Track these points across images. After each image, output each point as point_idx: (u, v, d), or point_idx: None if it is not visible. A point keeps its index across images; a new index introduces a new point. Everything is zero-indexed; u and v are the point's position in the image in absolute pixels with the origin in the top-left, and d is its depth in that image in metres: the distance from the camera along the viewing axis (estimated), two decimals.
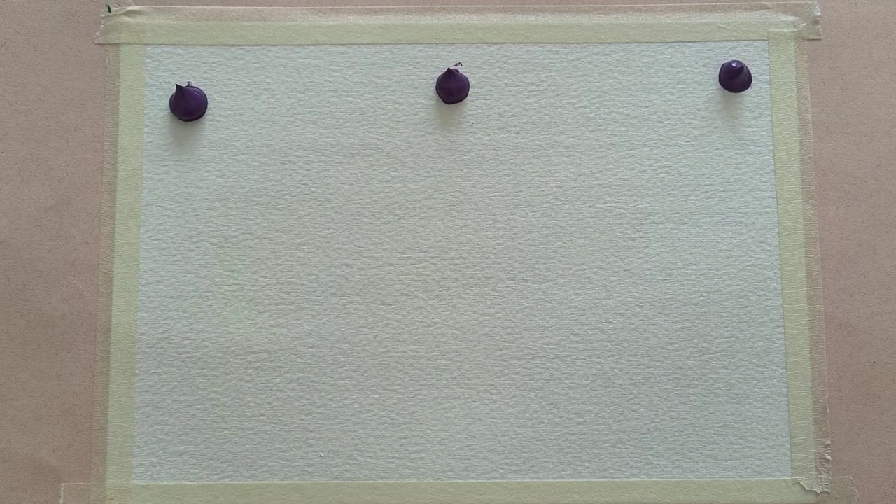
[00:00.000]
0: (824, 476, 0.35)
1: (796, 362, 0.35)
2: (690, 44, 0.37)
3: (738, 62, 0.36)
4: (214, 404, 0.35)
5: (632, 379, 0.35)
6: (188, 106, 0.36)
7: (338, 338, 0.35)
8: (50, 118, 0.36)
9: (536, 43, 0.37)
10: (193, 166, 0.36)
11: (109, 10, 0.37)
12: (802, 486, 0.35)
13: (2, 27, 0.37)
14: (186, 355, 0.35)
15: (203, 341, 0.35)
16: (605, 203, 0.36)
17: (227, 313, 0.35)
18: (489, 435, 0.35)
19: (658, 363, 0.35)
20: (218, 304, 0.35)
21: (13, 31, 0.37)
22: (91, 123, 0.36)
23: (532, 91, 0.36)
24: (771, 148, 0.36)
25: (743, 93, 0.36)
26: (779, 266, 0.36)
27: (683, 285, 0.36)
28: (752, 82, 0.36)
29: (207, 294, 0.35)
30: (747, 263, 0.36)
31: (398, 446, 0.35)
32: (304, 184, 0.36)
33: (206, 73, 0.36)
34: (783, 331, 0.35)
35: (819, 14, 0.37)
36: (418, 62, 0.37)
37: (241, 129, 0.36)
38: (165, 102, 0.36)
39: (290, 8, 0.37)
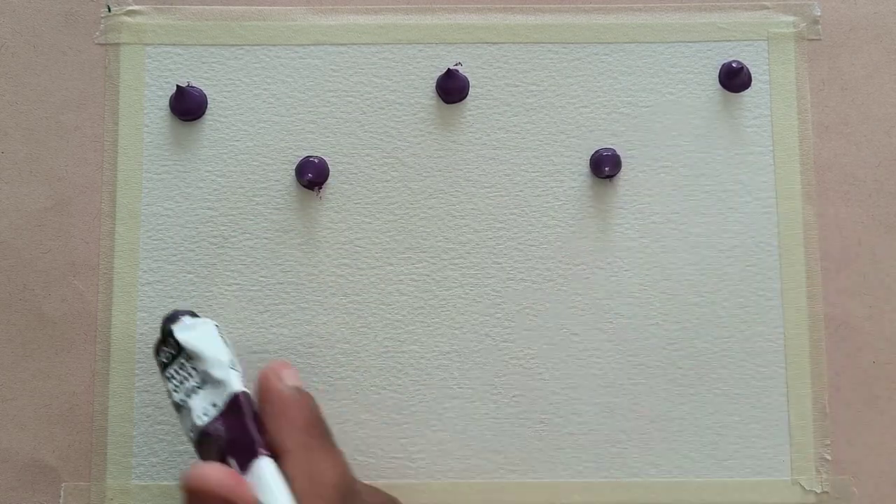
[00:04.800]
0: (824, 476, 0.35)
1: (796, 362, 0.35)
2: (690, 44, 0.37)
3: (738, 62, 0.36)
4: None
5: (632, 379, 0.35)
6: (188, 106, 0.36)
7: (338, 338, 0.35)
8: (50, 118, 0.36)
9: (536, 43, 0.37)
10: (193, 166, 0.36)
11: (109, 10, 0.37)
12: (802, 486, 0.35)
13: (2, 27, 0.37)
14: None
15: None
16: (605, 203, 0.36)
17: (227, 313, 0.35)
18: (489, 435, 0.35)
19: (658, 363, 0.35)
20: (218, 304, 0.35)
21: (13, 31, 0.37)
22: (91, 123, 0.36)
23: (532, 91, 0.36)
24: (771, 148, 0.36)
25: (743, 93, 0.36)
26: (778, 266, 0.36)
27: (683, 285, 0.36)
28: (752, 82, 0.36)
29: (207, 294, 0.35)
30: (747, 263, 0.36)
31: (398, 446, 0.35)
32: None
33: (206, 73, 0.36)
34: (783, 331, 0.35)
35: (819, 14, 0.37)
36: (418, 62, 0.37)
37: (241, 129, 0.36)
38: (165, 102, 0.36)
39: (290, 8, 0.37)
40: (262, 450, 0.27)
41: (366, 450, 0.35)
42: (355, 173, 0.36)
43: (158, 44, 0.37)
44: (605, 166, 0.36)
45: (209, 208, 0.36)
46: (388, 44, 0.37)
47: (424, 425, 0.35)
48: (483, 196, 0.36)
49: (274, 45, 0.37)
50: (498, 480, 0.35)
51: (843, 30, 0.37)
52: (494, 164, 0.36)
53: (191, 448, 0.34)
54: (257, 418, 0.28)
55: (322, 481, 0.26)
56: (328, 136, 0.36)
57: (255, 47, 0.37)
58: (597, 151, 0.36)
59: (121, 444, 0.35)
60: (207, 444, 0.28)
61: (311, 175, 0.35)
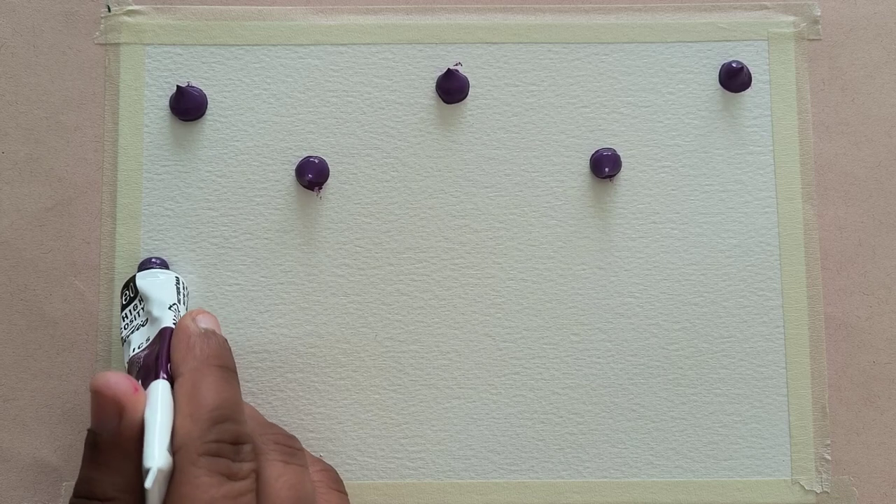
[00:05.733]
0: (824, 476, 0.35)
1: (796, 362, 0.35)
2: (690, 44, 0.37)
3: (738, 62, 0.36)
4: None
5: (632, 379, 0.35)
6: (188, 106, 0.36)
7: (338, 338, 0.35)
8: (50, 118, 0.36)
9: (536, 43, 0.37)
10: (193, 166, 0.36)
11: (109, 10, 0.37)
12: (802, 486, 0.35)
13: (1, 27, 0.37)
14: None
15: None
16: (605, 203, 0.36)
17: (227, 313, 0.35)
18: (489, 435, 0.35)
19: (658, 363, 0.35)
20: (218, 304, 0.35)
21: (13, 31, 0.37)
22: (91, 123, 0.36)
23: (532, 91, 0.36)
24: (771, 148, 0.36)
25: (743, 93, 0.36)
26: (779, 266, 0.36)
27: (683, 285, 0.36)
28: (752, 82, 0.36)
29: (208, 294, 0.35)
30: (747, 263, 0.36)
31: (398, 446, 0.35)
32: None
33: (206, 73, 0.36)
34: (783, 331, 0.35)
35: (819, 14, 0.37)
36: (418, 62, 0.37)
37: (241, 129, 0.36)
38: (165, 102, 0.36)
39: (290, 8, 0.37)
40: (162, 373, 0.29)
41: (366, 450, 0.35)
42: (355, 173, 0.36)
43: (158, 44, 0.37)
44: (605, 166, 0.36)
45: (209, 208, 0.36)
46: (388, 44, 0.37)
47: (424, 425, 0.35)
48: (483, 196, 0.36)
49: (274, 45, 0.37)
50: (498, 480, 0.35)
51: (843, 30, 0.37)
52: (494, 164, 0.36)
53: None
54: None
55: (200, 402, 0.28)
56: (328, 136, 0.36)
57: (255, 47, 0.37)
58: (597, 151, 0.36)
59: None
60: (132, 372, 0.30)
61: (311, 175, 0.35)
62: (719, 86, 0.37)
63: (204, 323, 0.30)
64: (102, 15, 0.37)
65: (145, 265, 0.35)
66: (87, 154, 0.36)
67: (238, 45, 0.37)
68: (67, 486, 0.34)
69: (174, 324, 0.31)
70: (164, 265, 0.35)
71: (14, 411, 0.35)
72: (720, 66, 0.36)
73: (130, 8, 0.37)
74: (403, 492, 0.35)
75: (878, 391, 0.35)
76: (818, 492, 0.35)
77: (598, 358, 0.35)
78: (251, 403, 0.35)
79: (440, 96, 0.36)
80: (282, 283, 0.35)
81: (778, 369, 0.35)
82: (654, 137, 0.36)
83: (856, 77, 0.37)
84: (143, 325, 0.32)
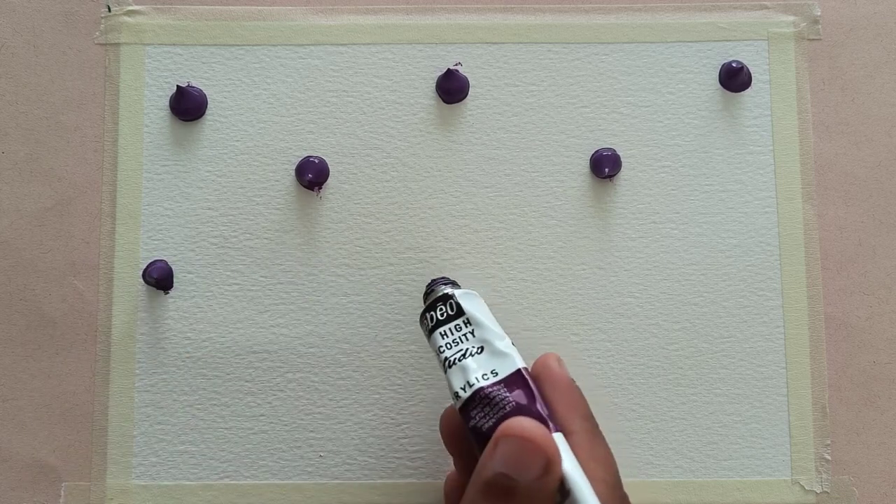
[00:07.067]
0: (824, 476, 0.35)
1: (796, 362, 0.35)
2: (690, 44, 0.37)
3: (738, 62, 0.36)
4: (214, 404, 0.35)
5: (632, 379, 0.35)
6: (188, 106, 0.36)
7: (338, 338, 0.35)
8: (50, 118, 0.36)
9: (536, 43, 0.37)
10: (193, 166, 0.36)
11: (109, 10, 0.37)
12: (802, 486, 0.35)
13: (2, 27, 0.37)
14: (186, 355, 0.35)
15: (203, 341, 0.35)
16: (605, 203, 0.36)
17: (227, 313, 0.35)
18: None
19: (658, 363, 0.35)
20: (218, 304, 0.35)
21: (13, 31, 0.37)
22: (91, 123, 0.36)
23: (532, 91, 0.36)
24: (771, 148, 0.36)
25: (743, 93, 0.36)
26: (779, 266, 0.36)
27: (683, 285, 0.36)
28: (752, 82, 0.36)
29: (207, 294, 0.35)
30: (747, 263, 0.36)
31: (398, 446, 0.35)
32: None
33: (206, 73, 0.36)
34: (783, 331, 0.35)
35: (819, 14, 0.37)
36: (418, 62, 0.37)
37: (241, 129, 0.36)
38: (165, 102, 0.36)
39: (290, 8, 0.37)
40: (553, 425, 0.28)
41: (366, 450, 0.35)
42: (355, 173, 0.36)
43: (158, 44, 0.37)
44: (605, 166, 0.36)
45: (209, 208, 0.36)
46: (388, 44, 0.37)
47: (424, 425, 0.35)
48: (483, 196, 0.36)
49: (274, 45, 0.37)
50: None
51: (843, 30, 0.37)
52: (494, 164, 0.36)
53: (191, 448, 0.35)
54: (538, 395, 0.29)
55: (606, 467, 0.28)
56: (328, 136, 0.36)
57: (255, 47, 0.37)
58: (597, 151, 0.36)
59: (121, 444, 0.35)
60: (486, 405, 0.28)
61: (311, 175, 0.35)
62: (719, 86, 0.37)
63: (566, 371, 0.30)
64: (102, 15, 0.37)
65: (443, 284, 0.32)
66: (87, 154, 0.36)
67: (238, 45, 0.37)
68: (67, 487, 0.34)
69: (524, 365, 0.29)
70: (167, 265, 0.35)
71: (13, 411, 0.35)
72: (720, 66, 0.36)
73: (130, 8, 0.37)
74: (403, 492, 0.35)
75: (878, 391, 0.35)
76: (818, 492, 0.35)
77: (598, 358, 0.35)
78: (252, 403, 0.35)
79: (440, 96, 0.36)
80: (282, 283, 0.35)
81: (778, 369, 0.35)
82: (654, 137, 0.36)
83: (856, 77, 0.37)
84: (478, 353, 0.30)
